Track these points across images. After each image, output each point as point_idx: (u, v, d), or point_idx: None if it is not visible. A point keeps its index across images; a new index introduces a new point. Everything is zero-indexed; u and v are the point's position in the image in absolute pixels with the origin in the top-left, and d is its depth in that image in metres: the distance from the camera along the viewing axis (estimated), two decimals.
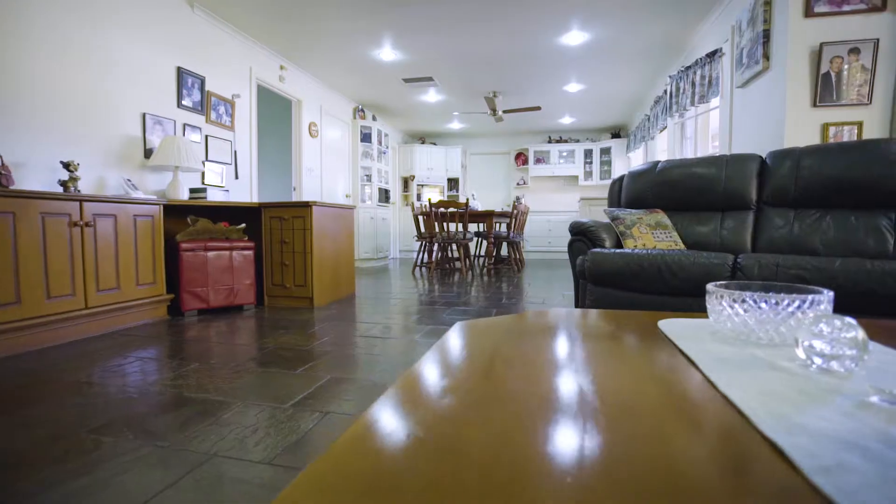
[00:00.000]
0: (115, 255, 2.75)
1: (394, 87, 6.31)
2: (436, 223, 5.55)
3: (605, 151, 8.80)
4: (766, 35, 3.15)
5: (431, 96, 6.77)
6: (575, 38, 4.61)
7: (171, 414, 1.52)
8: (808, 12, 2.89)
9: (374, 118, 7.74)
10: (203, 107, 4.08)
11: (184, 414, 1.52)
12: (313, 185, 5.98)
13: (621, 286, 2.44)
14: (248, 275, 3.40)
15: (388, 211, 8.01)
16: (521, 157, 9.62)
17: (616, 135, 8.86)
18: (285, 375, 1.91)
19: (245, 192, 4.66)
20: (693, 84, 4.21)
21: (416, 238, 6.34)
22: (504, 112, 6.55)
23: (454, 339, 0.91)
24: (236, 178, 4.52)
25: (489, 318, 1.08)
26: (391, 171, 8.59)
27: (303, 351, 2.29)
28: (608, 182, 8.79)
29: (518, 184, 9.66)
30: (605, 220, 2.97)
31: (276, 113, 6.76)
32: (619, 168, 8.60)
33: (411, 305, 3.57)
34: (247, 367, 2.03)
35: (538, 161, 9.30)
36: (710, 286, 0.93)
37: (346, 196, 6.98)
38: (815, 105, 2.91)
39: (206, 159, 4.11)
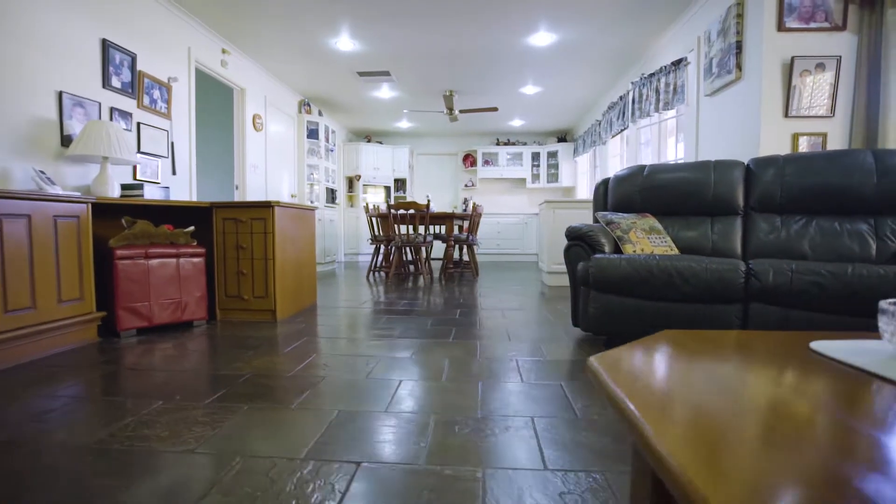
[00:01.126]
0: (29, 266, 2.19)
1: (346, 80, 5.92)
2: (394, 226, 5.26)
3: (552, 155, 8.98)
4: (739, 46, 3.26)
5: (385, 92, 6.46)
6: (542, 38, 4.56)
7: (149, 481, 1.15)
8: (781, 26, 3.01)
9: (320, 113, 7.25)
10: (134, 89, 3.48)
11: (168, 480, 1.16)
12: (257, 184, 5.43)
13: (628, 293, 2.35)
14: (199, 285, 2.92)
15: (334, 212, 7.55)
16: (469, 159, 9.55)
17: (562, 139, 9.07)
18: (281, 411, 1.58)
19: (183, 189, 4.08)
20: (657, 91, 4.32)
21: (369, 241, 5.99)
22: (461, 112, 6.40)
23: (620, 375, 0.69)
24: (174, 173, 3.93)
25: (624, 346, 0.87)
26: (338, 170, 8.12)
27: (288, 378, 1.94)
28: (556, 185, 8.98)
29: (466, 185, 9.58)
30: (576, 223, 2.89)
31: (216, 102, 6.07)
32: (566, 171, 8.81)
33: (385, 316, 3.27)
34: (226, 403, 1.66)
35: (486, 163, 9.28)
36: (884, 304, 0.80)
37: (292, 196, 6.45)
38: (786, 115, 3.05)
39: (139, 151, 3.51)
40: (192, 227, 2.97)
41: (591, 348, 2.43)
